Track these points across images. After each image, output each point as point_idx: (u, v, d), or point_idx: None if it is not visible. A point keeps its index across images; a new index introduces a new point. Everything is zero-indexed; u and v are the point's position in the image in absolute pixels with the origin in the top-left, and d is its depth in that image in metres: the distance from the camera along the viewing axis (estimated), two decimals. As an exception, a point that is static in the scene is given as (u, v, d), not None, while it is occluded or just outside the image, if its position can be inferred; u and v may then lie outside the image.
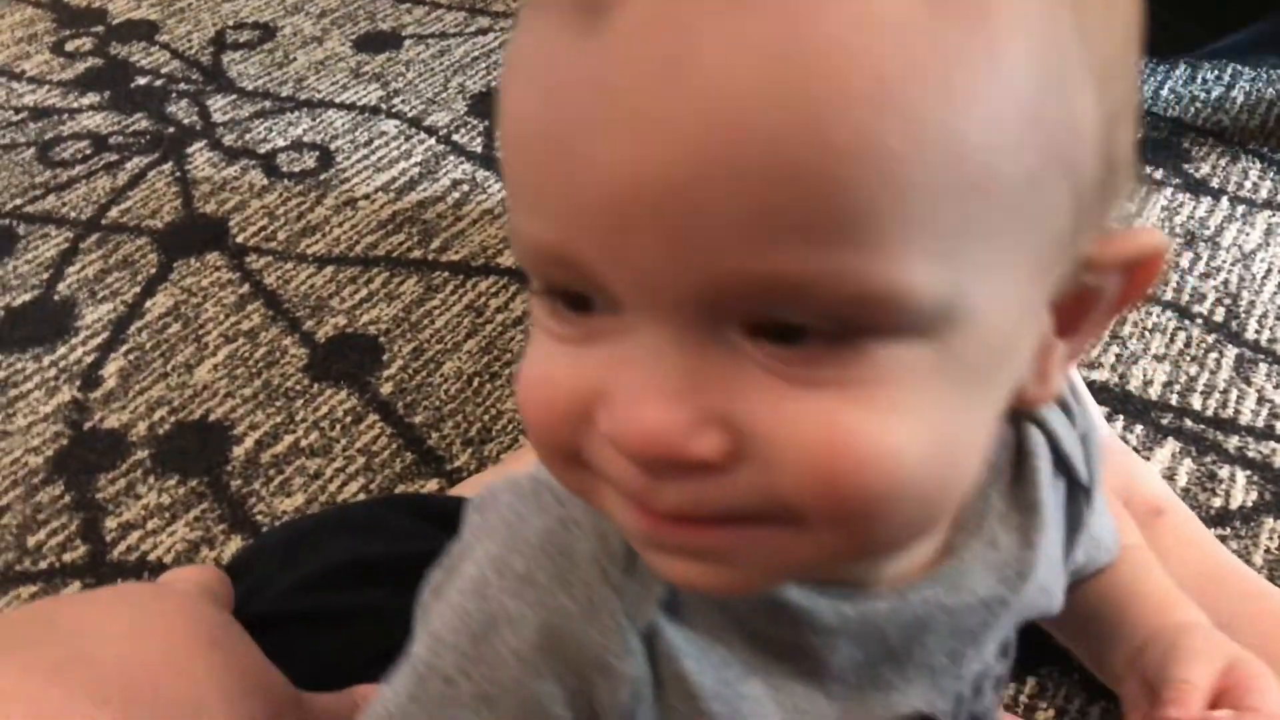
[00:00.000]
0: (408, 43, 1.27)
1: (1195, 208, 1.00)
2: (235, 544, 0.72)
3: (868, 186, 0.22)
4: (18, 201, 1.03)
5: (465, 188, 1.05)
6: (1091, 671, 0.43)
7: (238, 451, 0.79)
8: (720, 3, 0.21)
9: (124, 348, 0.88)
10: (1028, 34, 0.23)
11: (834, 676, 0.32)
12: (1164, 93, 1.15)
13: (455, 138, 1.11)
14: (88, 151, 1.10)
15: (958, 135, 0.22)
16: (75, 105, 1.17)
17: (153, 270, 0.95)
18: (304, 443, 0.79)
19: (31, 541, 0.73)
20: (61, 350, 0.87)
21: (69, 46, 1.28)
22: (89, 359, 0.87)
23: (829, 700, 0.33)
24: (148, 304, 0.92)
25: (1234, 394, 0.81)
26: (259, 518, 0.74)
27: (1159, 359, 0.84)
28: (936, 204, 0.22)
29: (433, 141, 1.11)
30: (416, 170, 1.07)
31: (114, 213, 1.02)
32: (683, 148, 0.22)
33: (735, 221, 0.22)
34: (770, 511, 0.25)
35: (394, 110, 1.16)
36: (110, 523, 0.74)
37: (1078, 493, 0.37)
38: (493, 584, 0.32)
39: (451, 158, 1.09)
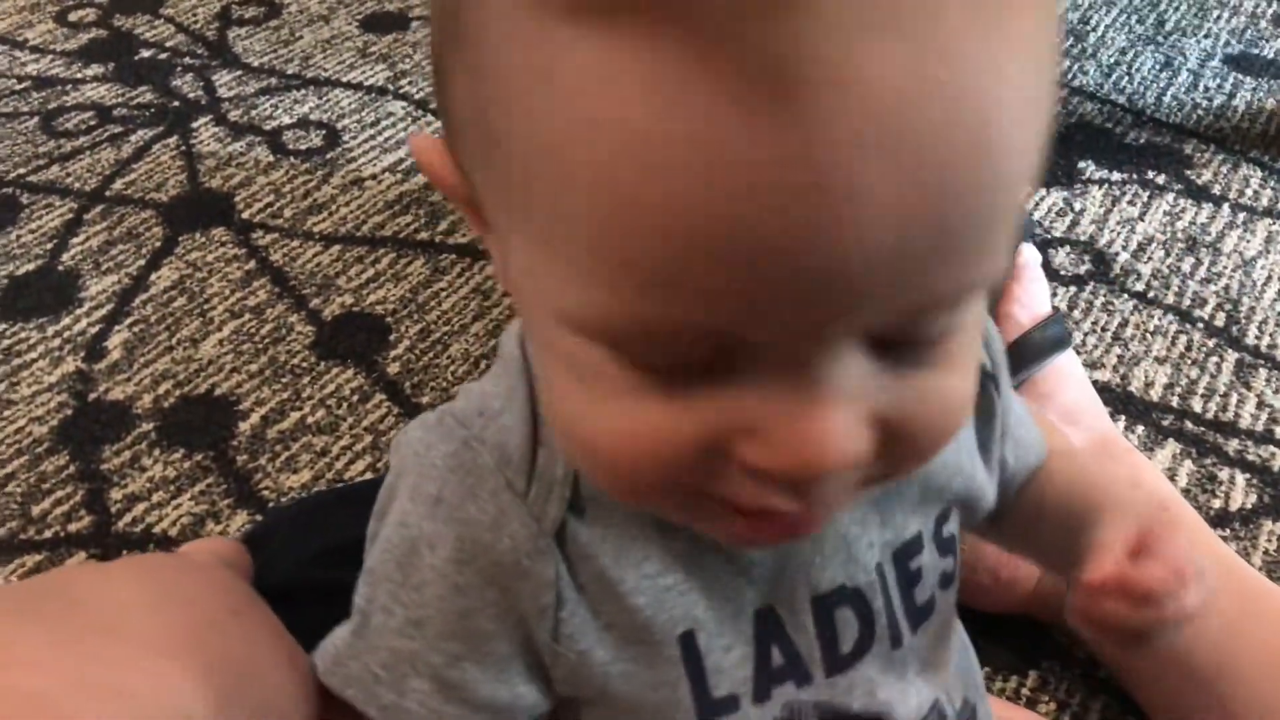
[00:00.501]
0: (415, 24, 1.27)
1: (1197, 214, 1.01)
2: (241, 519, 0.72)
3: (1014, 205, 0.24)
4: (21, 171, 1.02)
5: (473, 171, 1.04)
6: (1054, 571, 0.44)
7: (243, 427, 0.79)
8: (904, 61, 0.21)
9: (128, 320, 0.87)
10: (1050, 46, 0.25)
11: (754, 559, 0.34)
12: (1167, 99, 1.16)
13: (463, 121, 1.11)
14: (92, 123, 1.09)
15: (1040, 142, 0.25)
16: (79, 76, 1.16)
17: (157, 243, 0.95)
18: (310, 420, 0.79)
19: (36, 510, 0.72)
20: (65, 321, 0.87)
21: (72, 17, 1.27)
22: (93, 330, 0.86)
23: (750, 583, 0.34)
24: (152, 277, 0.91)
25: (1234, 398, 0.82)
26: (265, 493, 0.74)
27: (1160, 361, 0.85)
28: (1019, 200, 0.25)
29: (440, 124, 1.10)
30: (424, 152, 1.07)
31: (118, 185, 1.01)
32: (893, 216, 0.22)
33: (926, 269, 0.23)
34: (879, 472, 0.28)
35: (401, 91, 1.15)
36: (115, 494, 0.74)
37: (985, 380, 0.39)
38: (409, 513, 0.33)
39: (459, 141, 1.08)
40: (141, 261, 0.93)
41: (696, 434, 0.26)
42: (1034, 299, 0.73)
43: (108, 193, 1.00)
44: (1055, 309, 0.74)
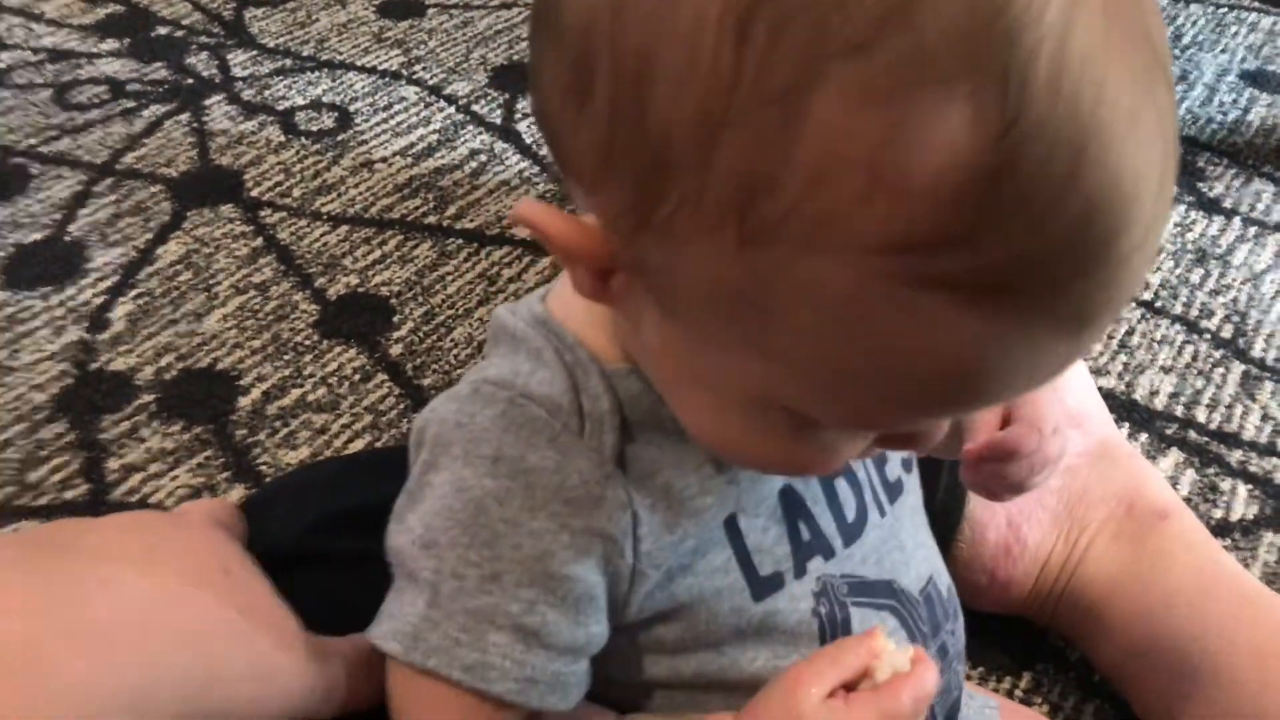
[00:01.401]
0: (431, 11, 1.27)
1: (1208, 226, 1.00)
2: (238, 492, 0.72)
3: None
4: (32, 141, 1.02)
5: (483, 158, 1.04)
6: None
7: (244, 402, 0.78)
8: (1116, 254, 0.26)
9: (133, 292, 0.87)
10: None
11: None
12: (1181, 112, 1.16)
13: (475, 108, 1.11)
14: (105, 97, 1.09)
15: None
16: (94, 50, 1.17)
17: (165, 218, 0.95)
18: (311, 397, 0.79)
19: (33, 477, 0.72)
20: (70, 291, 0.87)
21: (90, -8, 1.27)
22: (98, 301, 0.86)
23: (735, 485, 0.38)
24: (159, 251, 0.91)
25: (1239, 409, 0.82)
26: (263, 468, 0.74)
27: (1166, 370, 0.85)
28: None
29: (452, 110, 1.11)
30: (435, 137, 1.07)
31: (129, 159, 1.01)
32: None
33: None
34: None
35: (414, 77, 1.15)
36: (112, 464, 0.74)
37: None
38: (467, 477, 0.35)
39: (470, 127, 1.08)
40: (149, 235, 0.93)
41: (855, 450, 0.34)
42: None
43: (118, 166, 1.00)
44: (1062, 312, 0.73)
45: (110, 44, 1.18)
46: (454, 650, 0.34)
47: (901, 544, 0.44)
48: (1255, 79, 1.23)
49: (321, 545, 0.45)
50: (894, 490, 0.44)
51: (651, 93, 0.27)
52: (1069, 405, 0.68)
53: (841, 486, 0.42)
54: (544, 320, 0.37)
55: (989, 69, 0.24)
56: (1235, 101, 1.18)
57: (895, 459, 0.45)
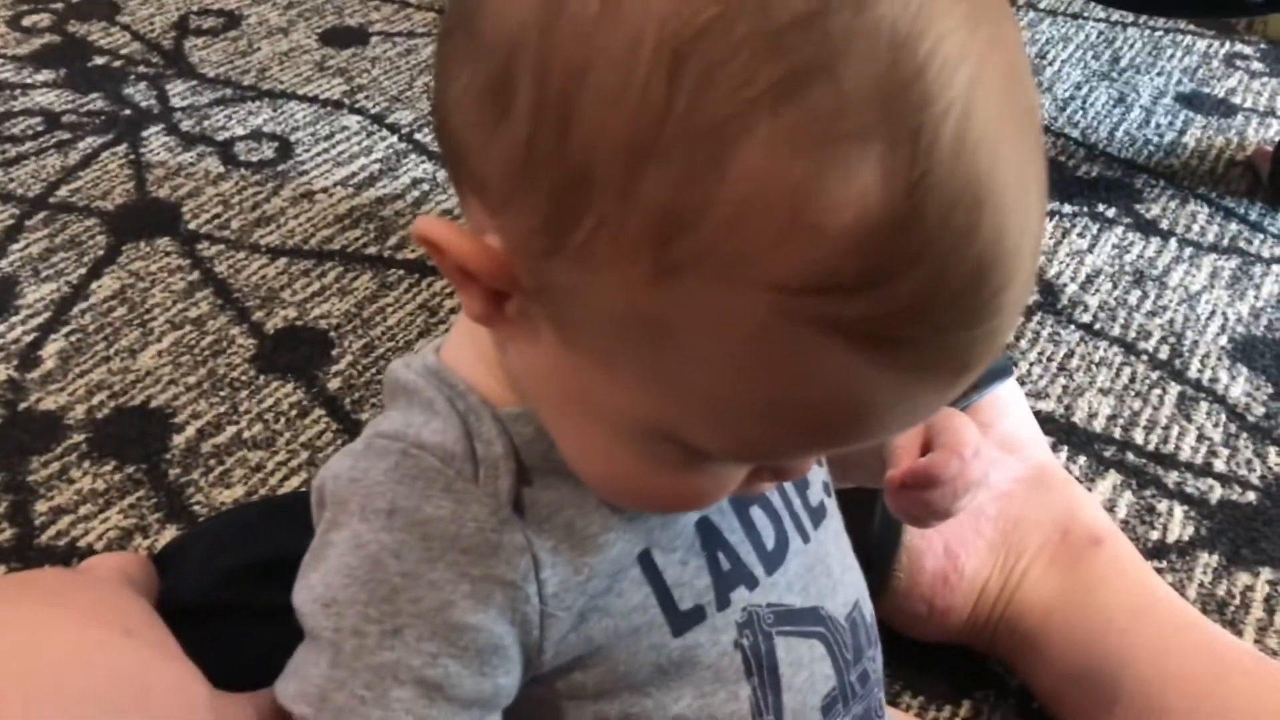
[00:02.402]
0: (374, 39, 1.27)
1: (1145, 247, 1.02)
2: (170, 533, 0.71)
3: None
4: (-37, 175, 1.01)
5: (425, 186, 1.04)
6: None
7: (178, 440, 0.77)
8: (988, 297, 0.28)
9: (65, 329, 0.86)
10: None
11: None
12: (1119, 134, 1.18)
13: (418, 136, 1.11)
14: (39, 128, 1.08)
15: None
16: (29, 81, 1.15)
17: (100, 252, 0.93)
18: (247, 434, 0.78)
19: (-43, 522, 0.71)
20: (0, 328, 0.85)
21: (26, 21, 1.26)
22: (28, 339, 0.84)
23: (644, 520, 0.38)
24: (93, 286, 0.90)
25: (1175, 430, 0.83)
26: (196, 508, 0.73)
27: (1104, 392, 0.86)
28: None
29: (395, 139, 1.10)
30: (377, 167, 1.06)
31: (63, 191, 1.00)
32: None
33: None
34: None
35: (357, 106, 1.15)
36: (41, 506, 0.72)
37: None
38: (363, 532, 0.35)
39: (413, 156, 1.08)
40: (82, 270, 0.91)
41: (735, 483, 0.35)
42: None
43: (51, 199, 0.99)
44: (998, 338, 0.74)
45: (46, 74, 1.16)
46: (360, 709, 0.34)
47: (829, 569, 0.44)
48: (1190, 101, 1.25)
49: (234, 597, 0.44)
50: (818, 514, 0.44)
51: (578, 113, 0.27)
52: (1004, 431, 0.69)
53: (757, 514, 0.41)
54: (435, 370, 0.37)
55: (903, 126, 0.25)
56: (1171, 124, 1.21)
57: (817, 483, 0.45)
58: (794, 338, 0.27)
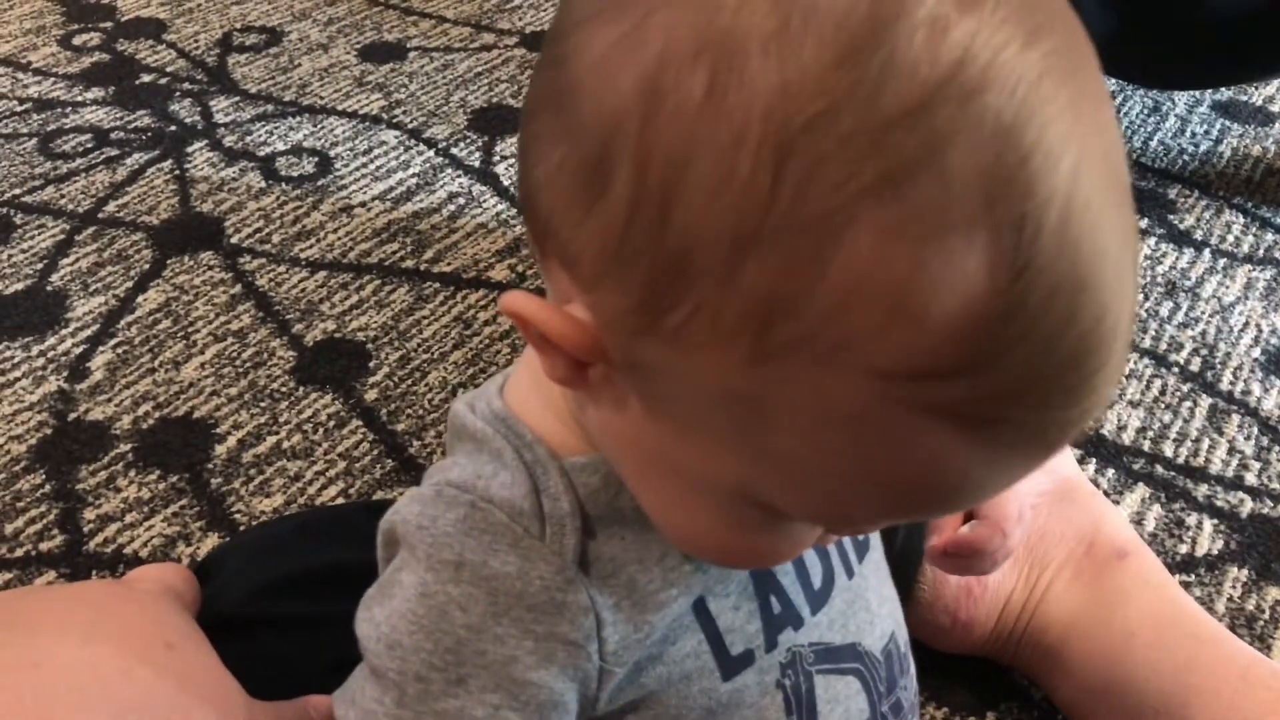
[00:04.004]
0: (412, 54, 1.29)
1: (1178, 258, 1.01)
2: (212, 541, 0.73)
3: None
4: (16, 191, 1.04)
5: (461, 200, 1.06)
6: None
7: (220, 450, 0.79)
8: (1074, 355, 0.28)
9: (113, 341, 0.88)
10: None
11: None
12: (1153, 144, 1.17)
13: (454, 151, 1.13)
14: (89, 145, 1.11)
15: None
16: (79, 99, 1.18)
17: (146, 266, 0.96)
18: (286, 444, 0.80)
19: (9, 529, 0.73)
20: (51, 340, 0.88)
21: (76, 40, 1.29)
22: (77, 351, 0.87)
23: (703, 571, 0.39)
24: (139, 299, 0.92)
25: (1205, 443, 0.83)
26: (237, 516, 0.75)
27: (1134, 405, 0.86)
28: None
29: (431, 153, 1.12)
30: (414, 181, 1.08)
31: (111, 207, 1.03)
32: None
33: None
34: None
35: (395, 121, 1.17)
36: (89, 514, 0.74)
37: None
38: (430, 582, 0.35)
39: (449, 170, 1.10)
40: (129, 284, 0.94)
41: (813, 540, 0.36)
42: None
43: (100, 215, 1.02)
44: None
45: (95, 93, 1.20)
46: None
47: (868, 603, 0.44)
48: (1227, 109, 1.24)
49: (270, 609, 0.46)
50: (863, 548, 0.45)
51: (679, 200, 0.27)
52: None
53: (808, 555, 0.42)
54: (503, 418, 0.38)
55: (1007, 217, 0.26)
56: (1207, 132, 1.20)
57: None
58: (892, 419, 0.28)
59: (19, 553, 0.72)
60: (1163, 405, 0.86)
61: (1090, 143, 0.27)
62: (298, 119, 1.17)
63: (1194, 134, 1.19)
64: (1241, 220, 1.07)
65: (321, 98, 1.20)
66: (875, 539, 0.46)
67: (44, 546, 0.72)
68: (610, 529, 0.36)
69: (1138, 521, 0.76)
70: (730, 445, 0.30)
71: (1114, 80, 1.27)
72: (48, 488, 0.76)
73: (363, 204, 1.05)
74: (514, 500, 0.36)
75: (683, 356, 0.29)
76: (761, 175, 0.26)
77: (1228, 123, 1.21)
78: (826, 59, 0.25)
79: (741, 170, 0.26)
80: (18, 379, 0.84)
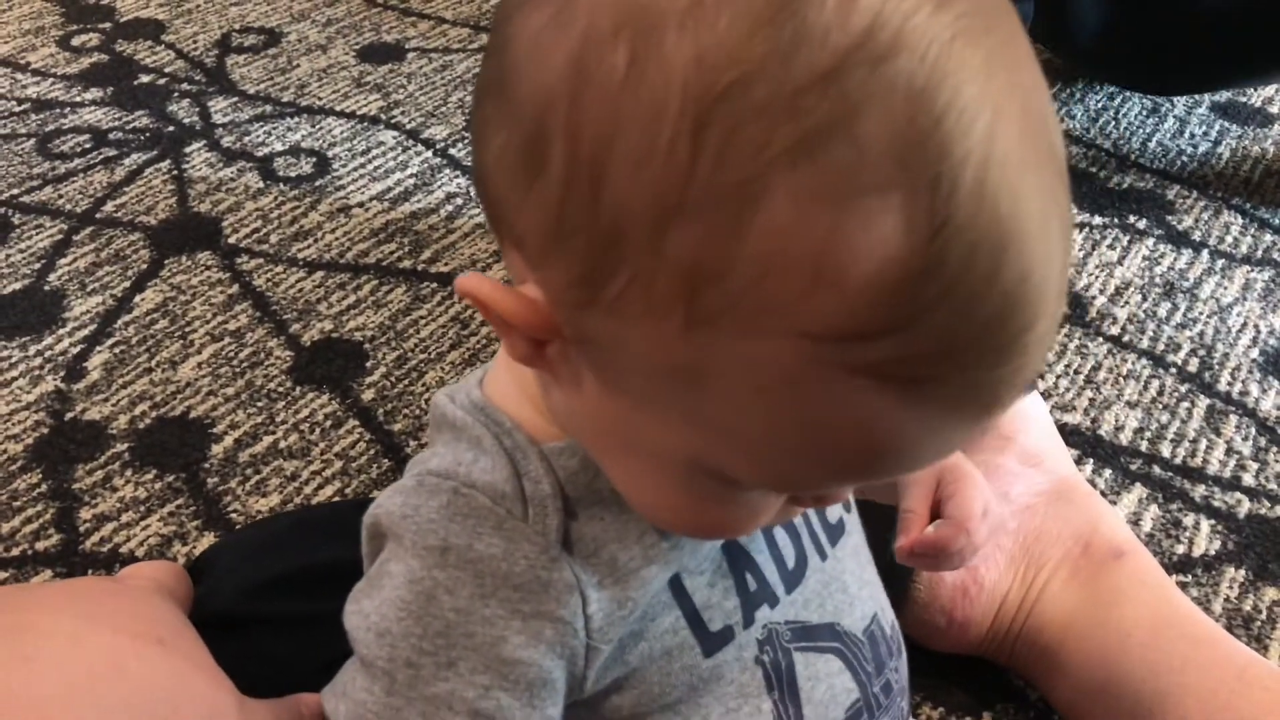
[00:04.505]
0: (410, 55, 1.29)
1: (1176, 259, 1.01)
2: (208, 540, 0.73)
3: None
4: (14, 191, 1.04)
5: (459, 201, 1.06)
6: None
7: (216, 449, 0.79)
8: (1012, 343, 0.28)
9: (110, 341, 0.88)
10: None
11: None
12: (1152, 145, 1.17)
13: (452, 151, 1.13)
14: (87, 145, 1.11)
15: None
16: (78, 99, 1.18)
17: (144, 266, 0.96)
18: (283, 444, 0.80)
19: (5, 528, 0.73)
20: (48, 340, 0.88)
21: (75, 41, 1.29)
22: (74, 350, 0.87)
23: (679, 548, 0.39)
24: (137, 299, 0.92)
25: (1203, 444, 0.83)
26: (233, 516, 0.75)
27: (1131, 405, 0.86)
28: None
29: (429, 154, 1.12)
30: (412, 181, 1.08)
31: (109, 207, 1.03)
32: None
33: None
34: None
35: (393, 121, 1.17)
36: (85, 513, 0.74)
37: None
38: (416, 569, 0.36)
39: (447, 171, 1.10)
40: (127, 283, 0.94)
41: (774, 510, 0.36)
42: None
43: (98, 215, 1.02)
44: (1022, 351, 0.74)
45: (94, 93, 1.20)
46: None
47: (845, 585, 0.45)
48: (1226, 111, 1.24)
49: (263, 607, 0.46)
50: (835, 532, 0.45)
51: (608, 175, 0.28)
52: (1026, 444, 0.69)
53: (779, 534, 0.43)
54: (482, 407, 0.38)
55: (922, 177, 0.26)
56: (1206, 133, 1.20)
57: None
58: (822, 381, 0.28)
59: (15, 552, 0.72)
60: (1160, 406, 0.86)
61: (1007, 103, 0.27)
62: (296, 119, 1.17)
63: (1193, 135, 1.19)
64: (1240, 221, 1.07)
65: (320, 98, 1.20)
66: (853, 525, 0.47)
67: (40, 545, 0.72)
68: (590, 510, 0.37)
69: (1135, 522, 0.76)
70: (678, 416, 0.31)
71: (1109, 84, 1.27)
72: (44, 487, 0.76)
73: (360, 204, 1.05)
74: (496, 484, 0.36)
75: (624, 328, 0.29)
76: (681, 146, 0.26)
77: (1227, 124, 1.21)
78: (740, 29, 0.26)
79: (662, 142, 0.27)
80: (15, 378, 0.84)
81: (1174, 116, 1.22)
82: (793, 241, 0.26)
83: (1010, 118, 0.27)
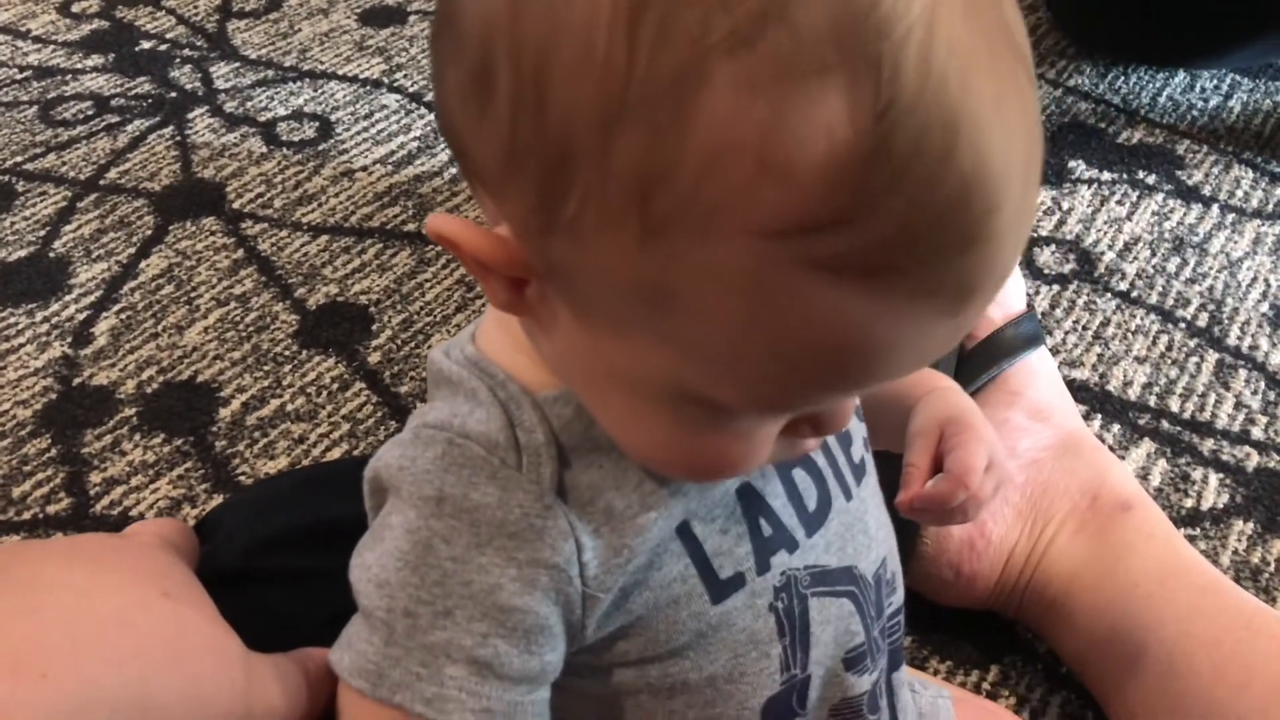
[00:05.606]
0: (413, 18, 1.28)
1: (1185, 214, 1.01)
2: (217, 503, 0.73)
3: None
4: (18, 159, 1.04)
5: (462, 164, 1.05)
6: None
7: (224, 413, 0.80)
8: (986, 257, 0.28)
9: (116, 307, 0.88)
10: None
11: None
12: (1162, 100, 1.16)
13: (455, 114, 1.12)
14: (89, 112, 1.11)
15: None
16: (79, 66, 1.18)
17: (148, 232, 0.96)
18: (290, 407, 0.80)
19: (16, 492, 0.74)
20: (54, 307, 0.88)
21: (75, 8, 1.28)
22: (81, 316, 0.87)
23: (683, 495, 0.38)
24: (142, 265, 0.92)
25: (1212, 398, 0.82)
26: (242, 478, 0.75)
27: (1140, 361, 0.85)
28: None
29: (432, 117, 1.11)
30: (415, 145, 1.08)
31: (113, 174, 1.02)
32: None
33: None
34: None
35: (396, 85, 1.16)
36: (95, 477, 0.75)
37: None
38: (413, 519, 0.36)
39: (450, 134, 1.09)
40: (131, 250, 0.94)
41: (770, 441, 0.35)
42: (1008, 295, 0.73)
43: (101, 181, 1.01)
44: (1030, 307, 0.74)
45: (95, 60, 1.19)
46: (415, 685, 0.35)
47: (866, 527, 0.44)
48: (1237, 64, 1.22)
49: (267, 563, 0.46)
50: (860, 471, 0.45)
51: (550, 89, 0.28)
52: (1034, 399, 0.69)
53: (800, 475, 0.42)
54: (475, 360, 0.38)
55: (862, 58, 0.25)
56: (1217, 88, 1.18)
57: (858, 439, 0.45)
58: (785, 281, 0.27)
59: (27, 515, 0.72)
60: (1169, 360, 0.85)
61: None
62: (298, 84, 1.16)
63: (1203, 89, 1.18)
64: (1251, 175, 1.06)
65: (322, 62, 1.19)
66: (872, 463, 0.46)
67: (51, 509, 0.73)
68: (587, 457, 0.37)
69: (1143, 476, 0.76)
70: (651, 338, 0.31)
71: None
72: (54, 452, 0.76)
73: (364, 168, 1.04)
74: (490, 434, 0.36)
75: (585, 249, 0.29)
76: (617, 46, 0.26)
77: (1238, 78, 1.20)
78: None
79: (599, 45, 0.26)
80: (22, 345, 0.85)
81: (1184, 71, 1.21)
82: (735, 132, 0.26)
83: (952, 1, 0.26)
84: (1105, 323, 0.89)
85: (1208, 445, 0.78)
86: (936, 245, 0.27)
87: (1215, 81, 1.19)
